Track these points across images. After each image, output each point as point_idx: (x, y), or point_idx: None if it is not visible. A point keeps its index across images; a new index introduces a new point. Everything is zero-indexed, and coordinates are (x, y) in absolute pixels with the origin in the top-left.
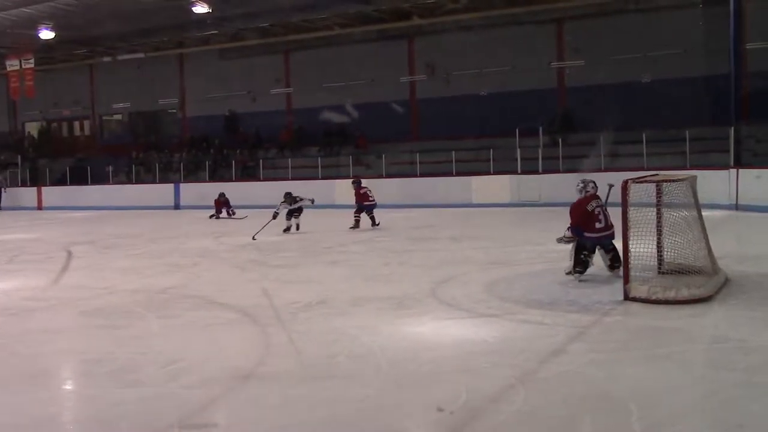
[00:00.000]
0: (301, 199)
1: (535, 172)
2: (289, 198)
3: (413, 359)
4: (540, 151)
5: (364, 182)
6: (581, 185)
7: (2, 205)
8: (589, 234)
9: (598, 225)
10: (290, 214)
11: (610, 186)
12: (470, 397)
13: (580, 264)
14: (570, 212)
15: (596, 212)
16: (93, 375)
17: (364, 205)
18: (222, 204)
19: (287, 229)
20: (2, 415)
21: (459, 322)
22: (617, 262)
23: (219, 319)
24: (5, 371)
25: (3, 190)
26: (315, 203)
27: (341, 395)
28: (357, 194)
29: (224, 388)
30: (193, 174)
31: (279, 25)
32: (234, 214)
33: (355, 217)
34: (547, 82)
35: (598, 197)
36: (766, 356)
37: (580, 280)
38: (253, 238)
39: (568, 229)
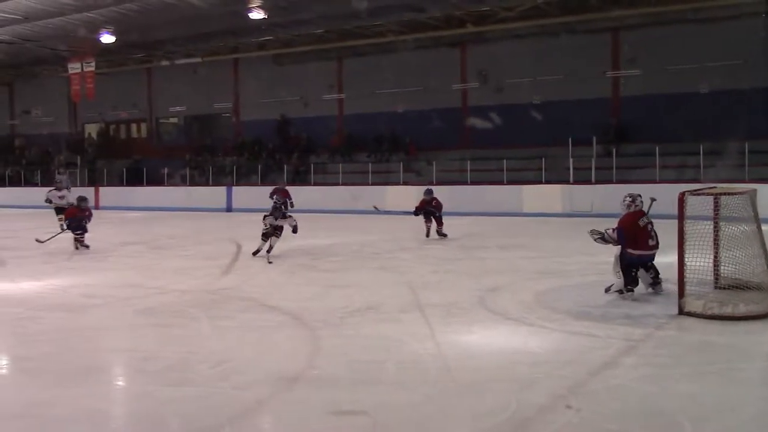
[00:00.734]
0: (289, 216)
1: (588, 182)
2: (277, 212)
3: (461, 367)
4: (593, 161)
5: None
6: (629, 200)
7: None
8: (641, 252)
9: (650, 242)
10: (266, 236)
11: (653, 200)
12: (519, 407)
13: (632, 281)
14: (621, 225)
15: (648, 228)
16: (144, 372)
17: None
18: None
19: (257, 252)
20: (58, 407)
21: (508, 331)
22: (659, 278)
23: (269, 322)
24: (61, 366)
25: (67, 190)
26: (297, 231)
27: (388, 401)
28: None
29: (272, 390)
30: (245, 177)
31: (333, 31)
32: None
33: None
34: (601, 91)
35: (645, 213)
36: None
37: (633, 299)
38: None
39: (613, 230)
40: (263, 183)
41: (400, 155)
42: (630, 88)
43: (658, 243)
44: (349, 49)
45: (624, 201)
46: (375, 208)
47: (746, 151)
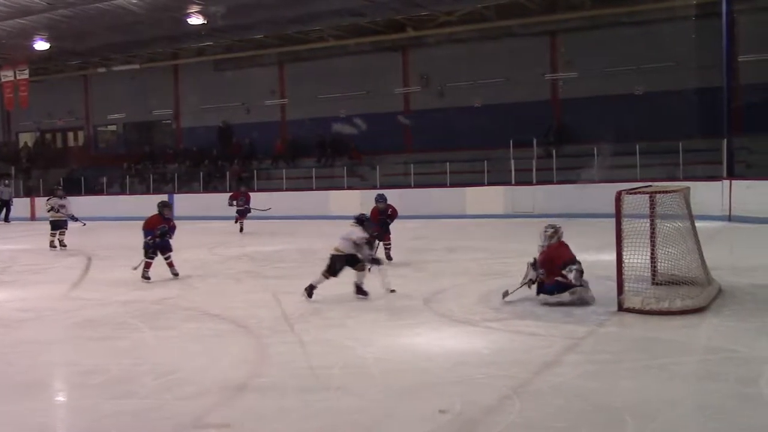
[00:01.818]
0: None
1: (529, 183)
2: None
3: (408, 370)
4: (534, 163)
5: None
6: (551, 231)
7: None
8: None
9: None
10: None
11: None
12: (465, 408)
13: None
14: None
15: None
16: (86, 386)
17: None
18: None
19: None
20: None
21: (454, 333)
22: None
23: (214, 331)
24: (0, 382)
25: (10, 202)
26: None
27: (335, 406)
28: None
29: (219, 400)
30: (187, 185)
31: (273, 36)
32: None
33: None
34: (540, 94)
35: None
36: (758, 367)
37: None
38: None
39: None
40: (206, 190)
41: (344, 160)
42: (568, 91)
43: None
44: (290, 54)
45: (545, 232)
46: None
47: (680, 150)
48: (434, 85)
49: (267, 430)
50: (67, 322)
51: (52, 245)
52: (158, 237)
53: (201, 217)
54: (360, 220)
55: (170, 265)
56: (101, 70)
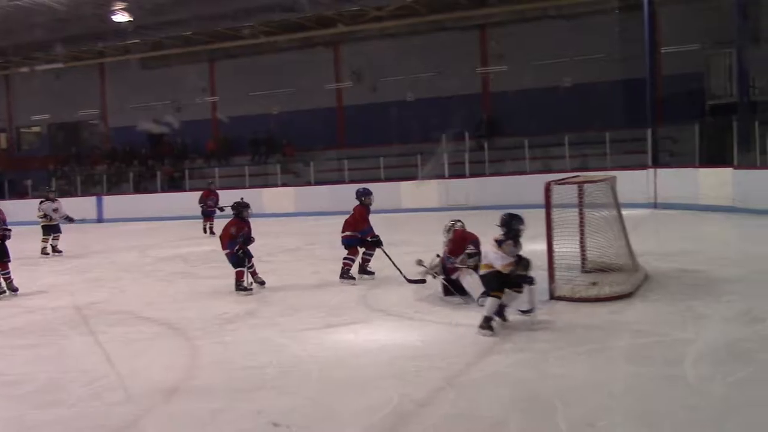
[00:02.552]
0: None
1: (463, 176)
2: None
3: (343, 367)
4: (467, 156)
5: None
6: (449, 224)
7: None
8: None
9: None
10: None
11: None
12: (401, 401)
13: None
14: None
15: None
16: (12, 397)
17: None
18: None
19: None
20: None
21: (389, 327)
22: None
23: (144, 334)
24: None
25: None
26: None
27: (270, 406)
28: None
29: (151, 404)
30: (116, 186)
31: (202, 33)
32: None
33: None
34: (472, 87)
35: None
36: (682, 350)
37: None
38: None
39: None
40: (136, 191)
41: (278, 157)
42: (499, 84)
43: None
44: (220, 51)
45: (445, 226)
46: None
47: (607, 140)
48: (366, 80)
49: None
50: None
51: (44, 252)
52: (242, 246)
53: (132, 218)
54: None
55: (254, 273)
56: (23, 69)
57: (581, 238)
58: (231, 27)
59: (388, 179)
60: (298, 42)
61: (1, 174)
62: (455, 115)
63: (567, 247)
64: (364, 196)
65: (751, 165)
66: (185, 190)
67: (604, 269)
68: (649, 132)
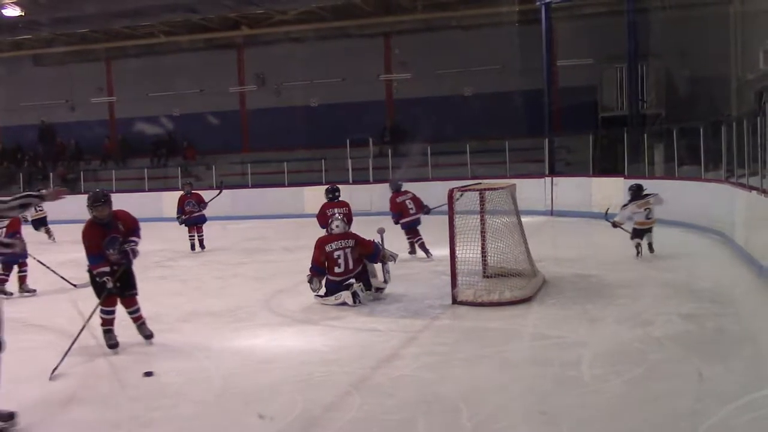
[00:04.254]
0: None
1: (367, 182)
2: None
3: (248, 373)
4: (370, 162)
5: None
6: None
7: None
8: (330, 277)
9: (337, 269)
10: None
11: (382, 231)
12: (306, 407)
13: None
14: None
15: (335, 255)
16: None
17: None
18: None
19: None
20: None
21: (294, 332)
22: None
23: (35, 342)
24: None
25: None
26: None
27: (171, 415)
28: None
29: (43, 414)
30: (5, 187)
31: (99, 31)
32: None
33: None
34: (376, 94)
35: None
36: (578, 352)
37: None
38: None
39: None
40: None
41: (178, 160)
42: (403, 91)
43: (348, 270)
44: (118, 50)
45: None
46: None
47: (507, 149)
48: (270, 84)
49: None
50: None
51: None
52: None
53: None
54: None
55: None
56: None
57: (483, 244)
58: (128, 26)
59: (292, 184)
60: (201, 43)
61: None
62: (360, 121)
63: (469, 253)
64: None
65: (640, 175)
66: (80, 192)
67: (504, 274)
68: (546, 142)
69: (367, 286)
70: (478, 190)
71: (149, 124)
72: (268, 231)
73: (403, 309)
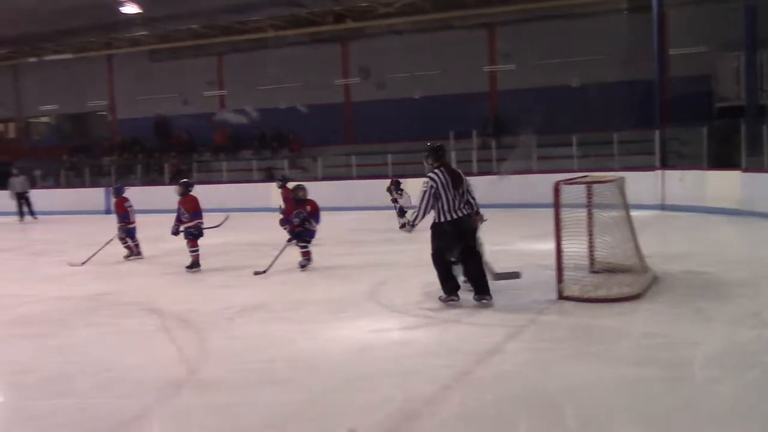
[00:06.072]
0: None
1: (470, 174)
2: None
3: (350, 362)
4: (474, 154)
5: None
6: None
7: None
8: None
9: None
10: None
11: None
12: (406, 398)
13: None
14: None
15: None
16: (21, 386)
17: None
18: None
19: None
20: None
21: (395, 323)
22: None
23: (152, 326)
24: None
25: (27, 194)
26: None
27: (277, 400)
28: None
29: (158, 397)
30: (124, 178)
31: (210, 26)
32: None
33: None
34: (479, 85)
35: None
36: (688, 352)
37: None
38: None
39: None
40: (144, 183)
41: (285, 152)
42: (506, 82)
43: None
44: (228, 45)
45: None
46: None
47: (614, 141)
48: (374, 76)
49: (209, 427)
50: (1, 319)
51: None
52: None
53: (140, 211)
54: None
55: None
56: (32, 59)
57: (590, 239)
58: (239, 21)
59: (396, 176)
60: (307, 37)
61: (11, 164)
62: (462, 113)
63: (575, 248)
64: None
65: (759, 168)
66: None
67: (612, 270)
68: (656, 133)
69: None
70: (585, 183)
71: (258, 116)
72: (372, 222)
73: (506, 303)
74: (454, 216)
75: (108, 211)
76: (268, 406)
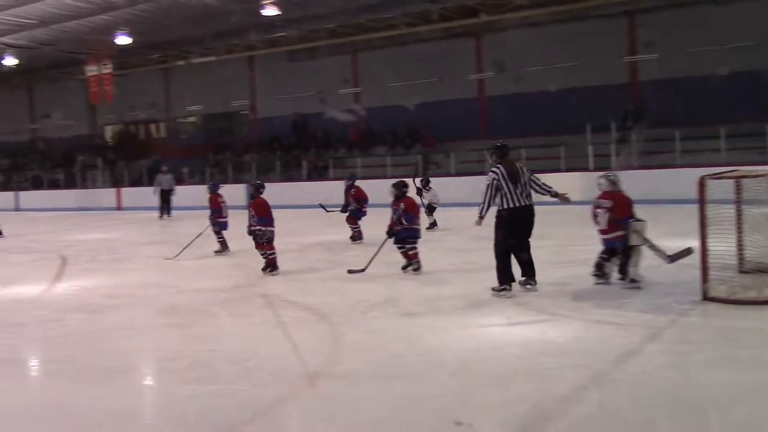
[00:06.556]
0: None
1: (608, 169)
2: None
3: (481, 359)
4: (612, 148)
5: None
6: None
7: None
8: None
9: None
10: None
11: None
12: (541, 397)
13: (598, 267)
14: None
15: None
16: (167, 371)
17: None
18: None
19: None
20: (83, 408)
21: (528, 321)
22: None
23: (289, 318)
24: (86, 366)
25: (172, 192)
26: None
27: (408, 394)
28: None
29: (294, 387)
30: (264, 174)
31: (346, 25)
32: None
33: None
34: (618, 77)
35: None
36: None
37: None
38: None
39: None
40: (282, 179)
41: (418, 148)
42: (648, 73)
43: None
44: (363, 43)
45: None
46: (320, 205)
47: (767, 133)
48: (509, 70)
49: (342, 417)
50: (149, 309)
51: None
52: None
53: (278, 205)
54: None
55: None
56: (180, 62)
57: (738, 237)
58: (373, 19)
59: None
60: (440, 32)
61: (161, 162)
62: (599, 106)
63: (722, 246)
64: None
65: None
66: (329, 179)
67: (764, 270)
68: None
69: (622, 272)
70: (733, 178)
71: (390, 113)
72: None
73: (646, 303)
74: (514, 205)
75: (247, 207)
76: (397, 399)
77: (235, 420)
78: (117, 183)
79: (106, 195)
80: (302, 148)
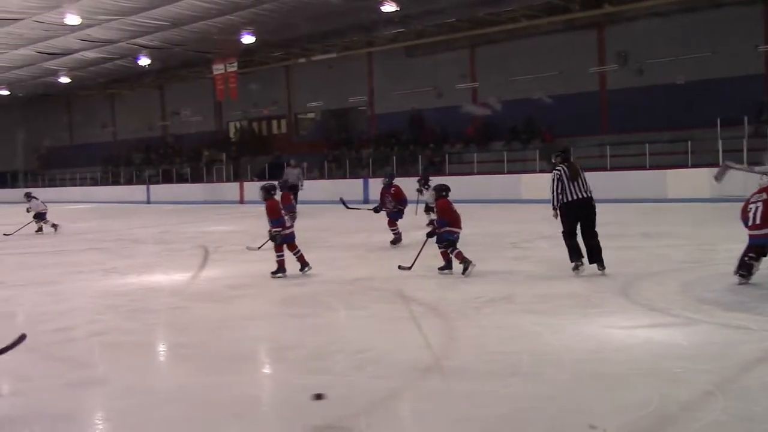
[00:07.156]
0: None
1: (740, 163)
2: None
3: (599, 360)
4: (745, 143)
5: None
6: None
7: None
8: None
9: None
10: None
11: None
12: (662, 402)
13: (745, 267)
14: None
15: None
16: (285, 360)
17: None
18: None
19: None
20: (207, 392)
21: (650, 323)
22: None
23: (404, 312)
24: (209, 353)
25: (300, 185)
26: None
27: (522, 393)
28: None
29: (408, 380)
30: (381, 169)
31: (464, 20)
32: None
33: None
34: (752, 67)
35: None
36: None
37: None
38: None
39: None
40: (399, 175)
41: (537, 143)
42: None
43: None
44: (480, 37)
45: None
46: (341, 201)
47: None
48: (632, 62)
49: (454, 412)
50: (269, 299)
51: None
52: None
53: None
54: None
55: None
56: (301, 60)
57: None
58: (492, 12)
59: (652, 167)
60: (560, 25)
61: (282, 157)
62: (732, 98)
63: None
64: None
65: None
66: (445, 174)
67: None
68: None
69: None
70: None
71: (508, 108)
72: (626, 215)
73: None
74: (573, 198)
75: (366, 200)
76: (510, 397)
77: (349, 411)
78: (240, 177)
79: (229, 189)
80: (419, 143)
